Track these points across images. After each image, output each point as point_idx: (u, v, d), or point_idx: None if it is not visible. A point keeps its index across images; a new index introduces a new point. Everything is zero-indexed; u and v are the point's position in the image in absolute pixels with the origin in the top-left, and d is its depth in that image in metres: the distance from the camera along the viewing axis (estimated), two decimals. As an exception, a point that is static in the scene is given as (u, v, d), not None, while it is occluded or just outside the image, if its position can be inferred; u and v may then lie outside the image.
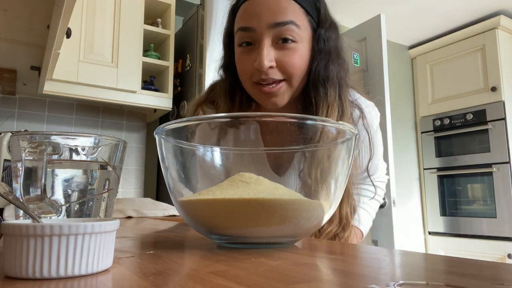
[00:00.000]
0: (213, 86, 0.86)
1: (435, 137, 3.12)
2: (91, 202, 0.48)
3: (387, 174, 1.05)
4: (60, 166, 0.46)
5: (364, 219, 0.93)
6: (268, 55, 0.67)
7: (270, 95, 0.70)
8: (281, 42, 0.68)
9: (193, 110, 0.86)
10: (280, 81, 0.70)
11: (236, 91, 0.78)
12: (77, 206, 0.47)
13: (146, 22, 1.93)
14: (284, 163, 0.65)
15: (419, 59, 3.34)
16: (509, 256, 2.56)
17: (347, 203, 0.77)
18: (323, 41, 0.73)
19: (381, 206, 2.25)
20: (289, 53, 0.69)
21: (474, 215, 2.83)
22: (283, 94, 0.71)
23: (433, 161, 3.13)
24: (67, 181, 0.47)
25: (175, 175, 0.47)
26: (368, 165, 0.88)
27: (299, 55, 0.70)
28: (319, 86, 0.73)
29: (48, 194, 0.44)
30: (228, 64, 0.79)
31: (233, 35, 0.76)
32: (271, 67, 0.68)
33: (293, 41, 0.69)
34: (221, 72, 0.82)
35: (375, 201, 0.97)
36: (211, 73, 1.75)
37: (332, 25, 0.75)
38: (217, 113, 0.81)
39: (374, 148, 0.86)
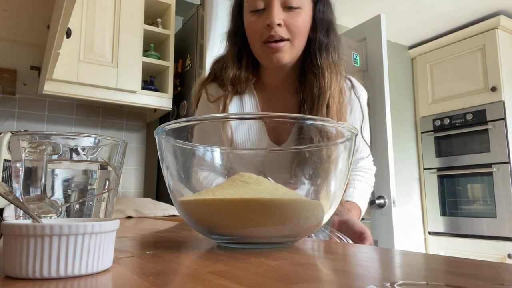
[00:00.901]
0: (217, 59, 0.95)
1: (435, 137, 3.12)
2: (91, 202, 0.48)
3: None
4: (60, 166, 0.46)
5: (359, 195, 0.93)
6: (278, 14, 0.79)
7: (276, 50, 0.80)
8: (288, 7, 0.80)
9: (198, 90, 0.94)
10: (285, 40, 0.80)
11: (243, 54, 0.88)
12: (77, 206, 0.47)
13: (146, 22, 1.93)
14: (283, 137, 0.72)
15: (419, 59, 3.34)
16: (509, 256, 2.56)
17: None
18: (322, 13, 0.85)
19: (381, 206, 2.25)
20: (294, 16, 0.80)
21: (474, 215, 2.83)
22: (287, 51, 0.81)
23: (433, 161, 3.13)
24: (67, 181, 0.47)
25: (175, 175, 0.47)
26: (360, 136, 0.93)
27: (302, 19, 0.81)
28: (322, 50, 0.84)
29: (48, 194, 0.44)
30: (237, 30, 0.89)
31: (242, 6, 0.87)
32: (279, 24, 0.79)
33: (298, 7, 0.80)
34: (227, 40, 0.91)
35: (367, 185, 0.98)
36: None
37: (328, 2, 0.88)
38: (221, 83, 0.90)
39: (364, 118, 0.93)
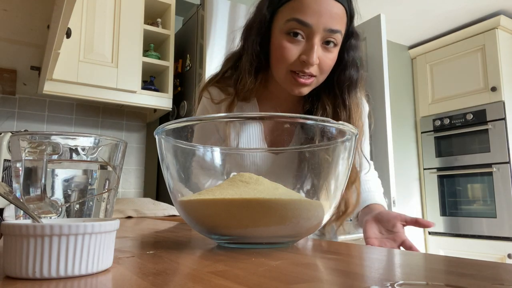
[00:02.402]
0: (228, 58, 0.91)
1: (435, 137, 3.12)
2: (91, 202, 0.48)
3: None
4: (60, 166, 0.46)
5: (379, 197, 0.94)
6: (317, 53, 0.75)
7: (302, 86, 0.78)
8: (325, 43, 0.76)
9: (202, 88, 0.92)
10: (314, 77, 0.78)
11: (261, 69, 0.84)
12: (77, 206, 0.47)
13: (146, 22, 1.93)
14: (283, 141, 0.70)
15: (419, 59, 3.34)
16: (509, 256, 2.57)
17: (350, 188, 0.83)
18: (354, 49, 0.83)
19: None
20: (329, 55, 0.78)
21: (474, 215, 2.83)
22: (310, 87, 0.80)
23: (433, 161, 3.13)
24: (67, 181, 0.47)
25: (175, 175, 0.47)
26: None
27: (334, 58, 0.79)
28: (351, 87, 0.83)
29: (48, 194, 0.44)
30: (261, 43, 0.82)
31: (274, 15, 0.80)
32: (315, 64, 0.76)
33: (335, 45, 0.77)
34: (249, 46, 0.84)
35: (380, 188, 0.99)
36: (211, 73, 1.75)
37: (357, 35, 0.84)
38: (224, 87, 0.88)
39: (365, 134, 0.93)
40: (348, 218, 0.86)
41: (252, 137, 0.82)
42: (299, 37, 0.75)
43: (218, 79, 0.90)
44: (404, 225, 0.79)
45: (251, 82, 0.83)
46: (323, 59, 0.77)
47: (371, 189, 0.94)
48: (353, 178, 0.82)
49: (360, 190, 0.86)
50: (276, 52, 0.79)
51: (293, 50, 0.76)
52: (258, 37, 0.82)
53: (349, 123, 0.79)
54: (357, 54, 0.84)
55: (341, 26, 0.76)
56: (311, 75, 0.77)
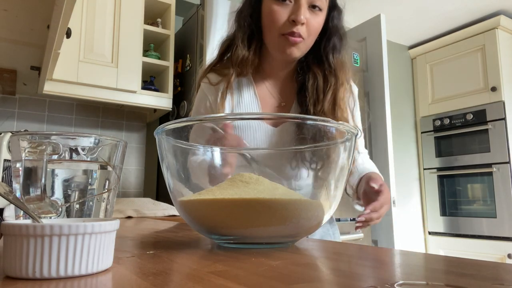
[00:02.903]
0: (224, 41, 0.96)
1: (435, 137, 3.12)
2: (91, 202, 0.48)
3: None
4: (60, 166, 0.46)
5: (373, 168, 0.97)
6: (305, 13, 0.82)
7: (293, 45, 0.84)
8: (312, 6, 0.84)
9: (201, 75, 0.96)
10: (302, 38, 0.84)
11: (254, 38, 0.90)
12: (77, 206, 0.47)
13: (146, 22, 1.93)
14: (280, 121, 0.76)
15: (419, 59, 3.34)
16: (509, 256, 2.56)
17: None
18: (337, 20, 0.91)
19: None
20: (315, 17, 0.85)
21: (474, 215, 2.83)
22: (300, 48, 0.86)
23: (433, 161, 3.13)
24: (67, 181, 0.47)
25: (175, 175, 0.47)
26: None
27: (320, 21, 0.86)
28: (336, 52, 0.91)
29: (48, 194, 0.44)
30: (252, 13, 0.90)
31: None
32: (303, 23, 0.82)
33: (320, 9, 0.85)
34: (239, 20, 0.92)
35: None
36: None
37: (339, 8, 0.93)
38: (223, 70, 0.92)
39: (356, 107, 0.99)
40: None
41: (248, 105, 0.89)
42: (287, 2, 0.83)
43: (215, 64, 0.95)
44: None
45: (245, 51, 0.89)
46: (310, 21, 0.83)
47: (366, 166, 0.97)
48: None
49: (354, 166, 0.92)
50: (267, 17, 0.86)
51: (282, 13, 0.83)
52: (250, 9, 0.90)
53: (336, 82, 0.90)
54: (340, 24, 0.92)
55: None
56: (300, 35, 0.83)
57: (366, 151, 1.05)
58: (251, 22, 0.90)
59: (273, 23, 0.84)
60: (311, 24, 0.84)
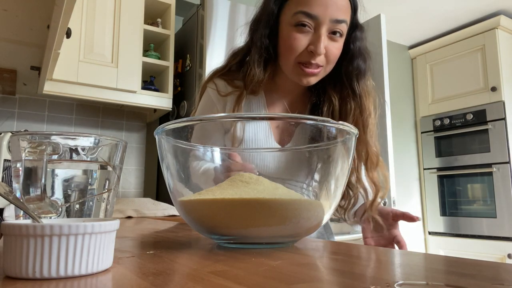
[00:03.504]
0: (235, 53, 0.92)
1: (435, 137, 3.12)
2: (91, 202, 0.48)
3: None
4: (60, 166, 0.46)
5: None
6: (324, 43, 0.78)
7: (310, 75, 0.80)
8: (333, 32, 0.79)
9: (207, 81, 0.92)
10: (321, 67, 0.81)
11: (269, 61, 0.85)
12: (77, 206, 0.47)
13: (146, 22, 1.93)
14: (287, 137, 0.77)
15: (419, 59, 3.34)
16: (509, 256, 2.56)
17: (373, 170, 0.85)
18: (360, 40, 0.85)
19: (381, 206, 2.24)
20: (335, 45, 0.80)
21: (474, 215, 2.83)
22: (318, 77, 0.82)
23: (433, 161, 3.13)
24: (67, 181, 0.47)
25: (175, 175, 0.47)
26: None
27: (339, 48, 0.81)
28: (360, 76, 0.85)
29: (48, 194, 0.44)
30: (270, 35, 0.84)
31: (282, 8, 0.83)
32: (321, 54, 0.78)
33: (340, 35, 0.80)
34: (256, 39, 0.85)
35: None
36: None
37: (361, 27, 0.86)
38: (231, 81, 0.88)
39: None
40: (379, 201, 0.87)
41: (259, 133, 0.83)
42: (307, 28, 0.78)
43: (224, 72, 0.91)
44: (395, 220, 0.82)
45: (260, 74, 0.84)
46: (330, 48, 0.79)
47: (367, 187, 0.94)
48: (375, 161, 0.84)
49: (384, 175, 0.86)
50: (285, 43, 0.81)
51: (301, 41, 0.78)
52: (267, 30, 0.84)
53: (360, 111, 0.84)
54: (363, 45, 0.86)
55: (346, 16, 0.79)
56: (318, 66, 0.79)
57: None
58: (268, 44, 0.84)
59: (291, 51, 0.80)
60: (330, 52, 0.79)
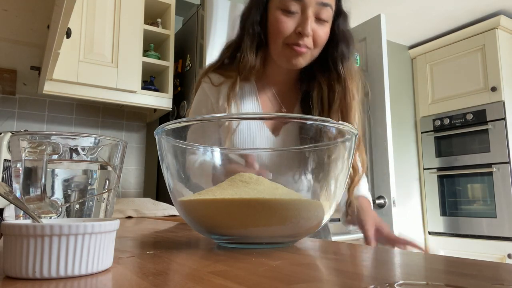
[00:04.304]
0: (228, 45, 0.95)
1: (435, 137, 3.12)
2: (91, 202, 0.48)
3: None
4: (60, 166, 0.46)
5: (364, 188, 0.98)
6: (311, 25, 0.82)
7: (298, 55, 0.84)
8: (318, 19, 0.83)
9: (202, 75, 0.95)
10: (308, 48, 0.84)
11: (260, 45, 0.89)
12: (77, 206, 0.47)
13: (146, 22, 1.93)
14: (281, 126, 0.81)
15: (419, 59, 3.34)
16: (509, 256, 2.56)
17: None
18: (343, 26, 0.89)
19: (381, 206, 2.25)
20: (322, 28, 0.84)
21: (474, 215, 2.83)
22: (306, 58, 0.85)
23: (433, 161, 3.13)
24: (67, 181, 0.47)
25: (175, 175, 0.47)
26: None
27: (327, 32, 0.85)
28: (344, 60, 0.88)
29: (48, 194, 0.44)
30: (260, 21, 0.88)
31: None
32: (309, 36, 0.82)
33: (326, 21, 0.84)
34: (247, 27, 0.89)
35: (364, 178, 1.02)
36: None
37: (345, 14, 0.91)
38: (224, 74, 0.91)
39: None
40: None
41: (252, 124, 0.86)
42: (294, 11, 0.82)
43: (218, 66, 0.94)
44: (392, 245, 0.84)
45: (253, 60, 0.87)
46: (317, 31, 0.83)
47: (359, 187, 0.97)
48: (356, 145, 0.86)
49: (362, 159, 0.89)
50: (273, 27, 0.85)
51: (288, 23, 0.82)
52: (257, 16, 0.88)
53: (344, 95, 0.87)
54: (346, 31, 0.90)
55: (331, 1, 0.83)
56: (306, 47, 0.83)
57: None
58: (259, 30, 0.88)
59: (279, 33, 0.83)
60: (317, 35, 0.83)
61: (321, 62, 0.89)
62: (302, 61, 0.85)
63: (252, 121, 0.85)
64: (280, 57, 0.86)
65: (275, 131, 0.85)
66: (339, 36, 0.88)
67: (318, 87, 0.89)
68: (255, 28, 0.88)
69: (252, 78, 0.90)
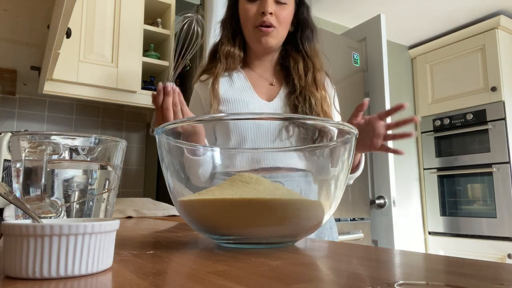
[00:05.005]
0: (212, 48, 1.09)
1: (435, 137, 3.12)
2: (91, 202, 0.48)
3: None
4: (60, 166, 0.46)
5: None
6: (271, 5, 0.97)
7: (266, 34, 0.98)
8: (277, 1, 0.98)
9: (192, 85, 1.10)
10: (273, 27, 0.98)
11: (237, 35, 1.05)
12: (77, 206, 0.47)
13: (146, 22, 1.92)
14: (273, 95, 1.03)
15: (419, 59, 3.33)
16: (509, 256, 2.56)
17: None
18: (306, 15, 1.05)
19: (381, 206, 2.25)
20: (282, 9, 0.99)
21: (474, 215, 2.83)
22: (274, 36, 0.99)
23: (433, 161, 3.13)
24: (67, 181, 0.47)
25: (175, 175, 0.47)
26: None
27: (288, 13, 1.00)
28: (308, 41, 1.05)
29: (48, 194, 0.44)
30: (232, 17, 1.05)
31: None
32: (271, 13, 0.96)
33: (285, 3, 0.99)
34: (223, 25, 1.08)
35: None
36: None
37: (306, 5, 1.06)
38: (211, 73, 1.04)
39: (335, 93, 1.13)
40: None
41: (243, 94, 1.00)
42: (256, 1, 0.98)
43: (206, 67, 1.07)
44: (381, 118, 0.91)
45: (230, 46, 1.02)
46: (278, 12, 0.97)
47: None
48: (329, 115, 1.02)
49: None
50: (242, 15, 1.01)
51: (253, 8, 0.98)
52: (229, 13, 1.06)
53: (313, 66, 1.03)
54: (309, 19, 1.06)
55: None
56: (271, 25, 0.97)
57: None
58: (232, 23, 1.04)
59: (247, 18, 0.99)
60: (279, 14, 0.97)
61: (293, 43, 1.06)
62: (272, 40, 0.99)
63: (243, 91, 1.01)
64: (253, 41, 1.01)
65: (268, 98, 1.01)
66: (303, 23, 1.04)
67: (294, 61, 1.04)
68: (229, 22, 1.05)
69: (236, 66, 1.03)
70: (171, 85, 0.89)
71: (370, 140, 0.89)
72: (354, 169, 1.02)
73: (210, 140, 0.86)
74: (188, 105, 1.05)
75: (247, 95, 0.99)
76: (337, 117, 1.10)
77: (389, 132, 0.91)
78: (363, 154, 1.02)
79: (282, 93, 1.02)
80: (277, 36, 0.99)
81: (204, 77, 1.05)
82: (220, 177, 0.48)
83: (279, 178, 0.52)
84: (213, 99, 0.98)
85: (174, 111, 0.88)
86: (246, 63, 1.07)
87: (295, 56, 1.04)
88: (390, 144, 0.95)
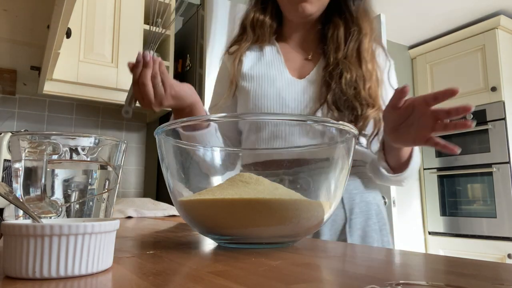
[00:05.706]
0: (242, 20, 0.97)
1: (435, 137, 3.12)
2: (91, 202, 0.48)
3: None
4: (60, 166, 0.46)
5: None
6: None
7: (303, 1, 0.83)
8: None
9: (223, 54, 0.99)
10: None
11: (268, 2, 0.92)
12: (77, 206, 0.47)
13: (146, 22, 1.93)
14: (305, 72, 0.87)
15: (419, 59, 3.34)
16: (509, 256, 2.56)
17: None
18: None
19: (381, 206, 2.24)
20: None
21: (474, 215, 2.83)
22: (313, 2, 0.84)
23: (433, 161, 3.13)
24: (67, 181, 0.47)
25: (175, 175, 0.47)
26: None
27: None
28: (353, 1, 0.87)
29: (48, 194, 0.44)
30: None
31: None
32: None
33: None
34: None
35: None
36: (211, 73, 1.75)
37: None
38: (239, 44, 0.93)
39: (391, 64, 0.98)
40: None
41: (272, 68, 0.88)
42: None
43: (235, 39, 0.96)
44: (428, 104, 0.68)
45: (259, 14, 0.90)
46: None
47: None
48: (368, 77, 0.84)
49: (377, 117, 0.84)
50: None
51: None
52: None
53: (359, 31, 0.86)
54: None
55: None
56: None
57: None
58: None
59: None
60: None
61: (335, 4, 0.89)
62: (310, 7, 0.84)
63: (272, 66, 0.88)
64: (288, 9, 0.87)
65: (299, 75, 0.87)
66: None
67: (334, 28, 0.88)
68: None
69: (270, 38, 0.91)
70: (150, 55, 0.74)
71: (415, 131, 0.69)
72: (403, 166, 0.79)
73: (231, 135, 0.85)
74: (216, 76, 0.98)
75: (276, 71, 0.86)
76: (390, 95, 0.87)
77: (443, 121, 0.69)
78: (415, 149, 0.80)
79: (317, 68, 0.86)
80: (317, 1, 0.84)
81: (234, 48, 0.93)
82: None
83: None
84: (233, 75, 0.87)
85: (153, 84, 0.75)
86: (282, 36, 0.94)
87: (335, 21, 0.88)
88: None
